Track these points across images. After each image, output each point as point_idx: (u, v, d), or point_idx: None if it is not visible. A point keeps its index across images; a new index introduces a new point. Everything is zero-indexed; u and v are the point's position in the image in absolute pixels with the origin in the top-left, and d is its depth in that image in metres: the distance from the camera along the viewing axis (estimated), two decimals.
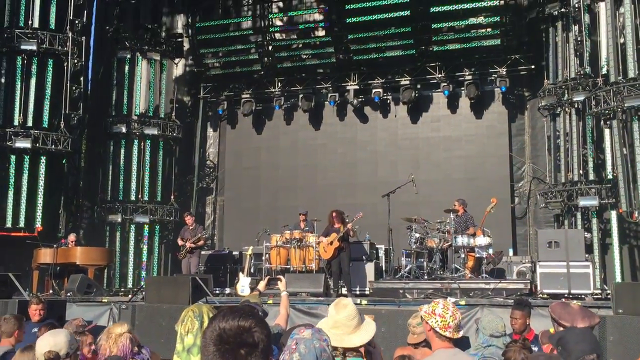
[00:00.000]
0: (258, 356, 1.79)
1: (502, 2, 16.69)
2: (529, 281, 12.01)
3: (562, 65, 15.84)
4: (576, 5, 15.06)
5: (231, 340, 1.78)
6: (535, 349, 5.10)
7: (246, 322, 1.82)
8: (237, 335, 1.79)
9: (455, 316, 3.86)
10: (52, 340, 3.32)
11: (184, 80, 20.48)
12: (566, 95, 15.41)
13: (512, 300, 8.43)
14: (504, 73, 17.09)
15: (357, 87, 18.47)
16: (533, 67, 17.09)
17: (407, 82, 17.95)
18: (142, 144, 18.98)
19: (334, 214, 12.63)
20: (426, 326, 3.88)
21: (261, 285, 6.40)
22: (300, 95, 18.88)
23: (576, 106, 15.31)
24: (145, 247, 18.72)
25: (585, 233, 13.54)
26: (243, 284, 12.85)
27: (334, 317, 3.50)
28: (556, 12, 16.03)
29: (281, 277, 6.26)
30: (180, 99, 20.24)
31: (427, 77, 17.96)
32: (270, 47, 18.96)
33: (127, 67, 19.16)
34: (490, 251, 12.19)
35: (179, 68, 20.26)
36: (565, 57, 15.79)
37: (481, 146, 17.67)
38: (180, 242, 14.67)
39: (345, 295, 12.07)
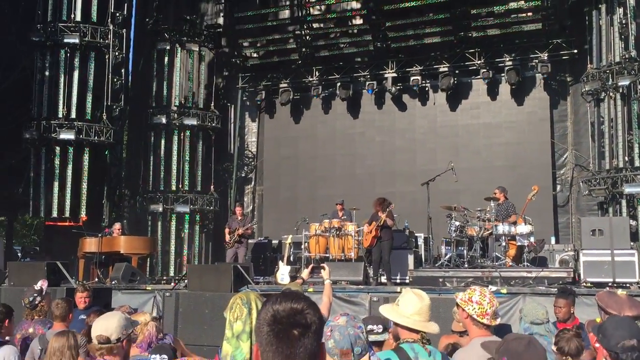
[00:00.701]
0: (311, 337, 1.82)
1: None
2: (572, 270, 11.83)
3: (606, 49, 15.46)
4: None
5: (284, 321, 1.81)
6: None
7: (299, 304, 1.86)
8: (290, 316, 1.82)
9: (492, 303, 3.85)
10: (104, 324, 3.37)
11: (223, 70, 20.62)
12: (610, 80, 15.06)
13: (555, 289, 8.33)
14: (546, 58, 16.76)
15: (395, 74, 18.34)
16: (576, 51, 16.73)
17: (446, 69, 17.75)
18: (182, 134, 19.22)
19: (378, 203, 12.56)
20: (463, 314, 3.88)
21: (305, 273, 6.45)
22: (338, 84, 18.84)
23: (621, 91, 14.96)
24: (186, 236, 18.99)
25: (631, 221, 13.25)
26: (283, 272, 12.97)
27: (417, 304, 3.59)
28: None
29: (325, 265, 6.28)
30: (218, 89, 20.39)
31: (466, 63, 17.73)
32: (307, 37, 18.96)
33: (166, 59, 19.40)
34: (532, 239, 12.04)
35: (217, 58, 20.40)
36: (610, 40, 15.41)
37: (522, 133, 17.41)
38: (227, 231, 14.72)
39: (385, 284, 12.09)
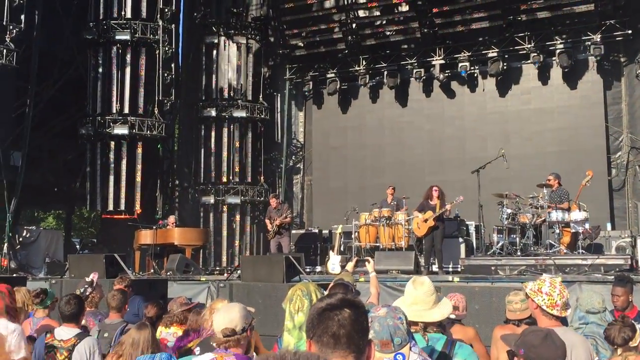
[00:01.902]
0: (361, 315, 1.97)
1: None
2: (629, 256, 11.52)
3: None
4: None
5: (336, 304, 1.99)
6: (638, 326, 4.95)
7: (346, 294, 2.01)
8: (340, 300, 2.00)
9: (563, 294, 3.84)
10: (227, 316, 3.42)
11: (269, 61, 20.76)
12: None
13: (612, 277, 8.17)
14: (598, 40, 16.31)
15: (442, 61, 18.13)
16: (630, 31, 16.22)
17: (495, 54, 17.46)
18: (232, 126, 19.47)
19: (435, 190, 12.37)
20: (532, 304, 3.88)
21: (349, 267, 6.51)
22: (385, 73, 18.75)
23: None
24: (237, 227, 19.26)
25: None
26: (334, 262, 13.06)
27: (413, 293, 3.56)
28: None
29: (369, 258, 6.35)
30: (265, 79, 20.53)
31: (516, 47, 17.40)
32: (353, 25, 18.90)
33: (215, 52, 19.66)
34: (587, 226, 11.78)
35: (263, 50, 20.54)
36: None
37: (575, 117, 17.03)
38: (267, 223, 14.71)
39: (437, 273, 12.04)
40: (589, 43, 16.43)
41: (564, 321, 4.15)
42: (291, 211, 15.63)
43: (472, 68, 17.94)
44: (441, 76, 18.02)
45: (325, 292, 4.35)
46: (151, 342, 4.63)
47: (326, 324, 1.92)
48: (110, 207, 17.92)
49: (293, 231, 15.89)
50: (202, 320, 5.13)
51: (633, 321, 4.82)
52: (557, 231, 11.80)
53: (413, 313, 3.44)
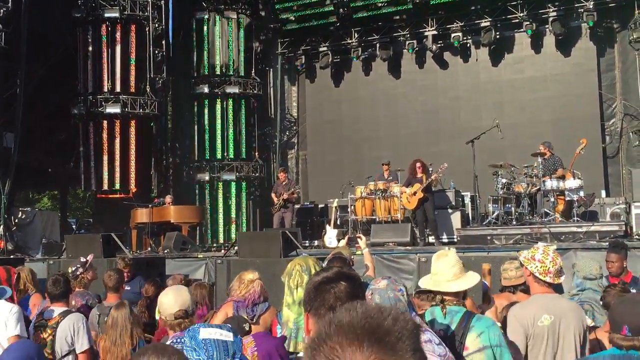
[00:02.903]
0: (357, 287, 1.95)
1: None
2: (623, 223, 11.60)
3: None
4: None
5: (333, 277, 2.01)
6: (633, 291, 5.00)
7: (343, 267, 2.02)
8: (336, 273, 2.02)
9: (555, 262, 3.87)
10: (179, 299, 3.44)
11: (260, 36, 20.58)
12: None
13: (607, 243, 8.23)
14: (591, 6, 16.21)
15: (435, 32, 18.03)
16: None
17: (488, 24, 17.37)
18: (225, 102, 19.36)
19: (418, 164, 12.56)
20: (526, 271, 3.92)
21: (342, 244, 6.53)
22: (378, 45, 18.65)
23: None
24: (233, 204, 19.27)
25: None
26: (330, 235, 13.10)
27: (434, 263, 3.59)
28: None
29: (361, 235, 6.36)
30: (256, 54, 20.37)
31: (509, 16, 17.30)
32: None
33: (205, 28, 19.47)
34: (582, 193, 11.82)
35: (254, 24, 20.35)
36: None
37: (568, 85, 17.00)
38: (274, 196, 14.84)
39: (433, 244, 12.11)
40: (582, 10, 16.34)
41: (557, 288, 4.18)
42: (299, 187, 15.72)
43: (465, 38, 17.85)
44: (434, 47, 17.94)
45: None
46: (131, 319, 4.64)
47: (323, 297, 1.93)
48: (105, 187, 17.88)
49: None
50: (230, 289, 5.12)
51: (629, 287, 4.88)
52: (552, 199, 11.84)
53: (432, 282, 3.49)
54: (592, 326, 4.78)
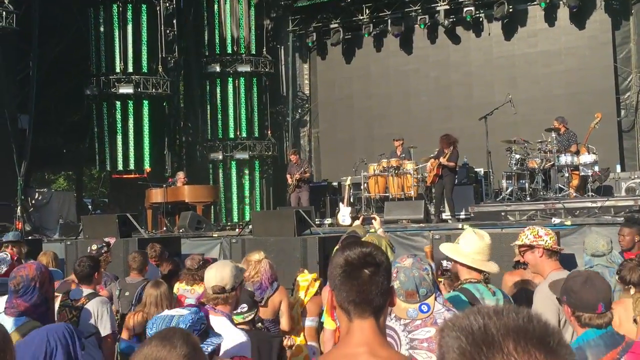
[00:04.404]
0: (381, 276, 1.96)
1: None
2: (639, 197, 11.55)
3: None
4: None
5: (356, 262, 1.95)
6: None
7: (367, 248, 2.00)
8: (360, 258, 1.96)
9: (554, 232, 3.97)
10: (219, 275, 3.47)
11: (271, 13, 20.48)
12: None
13: (622, 219, 8.21)
14: None
15: (447, 7, 17.83)
16: None
17: None
18: (236, 81, 19.35)
19: (441, 139, 12.39)
20: (538, 253, 3.92)
21: (356, 224, 6.56)
22: (389, 21, 18.50)
23: None
24: (247, 183, 19.35)
25: None
26: (344, 213, 13.15)
27: (477, 243, 3.62)
28: None
29: (375, 216, 6.38)
30: (267, 31, 20.27)
31: None
32: None
33: (216, 6, 19.38)
34: (596, 168, 11.75)
35: (265, 3, 20.24)
36: None
37: (583, 58, 16.81)
38: (288, 177, 14.86)
39: (447, 221, 12.11)
40: None
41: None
42: (310, 166, 15.74)
43: (477, 12, 17.66)
44: (446, 22, 17.76)
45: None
46: (169, 297, 4.73)
47: (346, 285, 1.94)
48: (120, 167, 18.03)
49: None
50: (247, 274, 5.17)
51: None
52: (567, 175, 11.78)
53: (475, 262, 3.55)
54: None
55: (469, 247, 3.62)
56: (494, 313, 1.14)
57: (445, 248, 3.75)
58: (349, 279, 1.93)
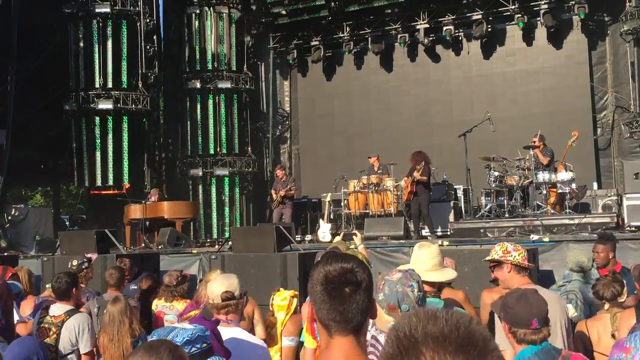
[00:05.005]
0: (362, 294, 1.93)
1: None
2: (615, 214, 11.68)
3: None
4: None
5: (336, 280, 1.92)
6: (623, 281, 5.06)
7: (348, 264, 1.96)
8: (341, 275, 1.93)
9: (523, 249, 4.00)
10: (226, 282, 3.45)
11: (252, 30, 20.54)
12: None
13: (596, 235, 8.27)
14: None
15: (427, 25, 18.03)
16: None
17: (479, 17, 17.38)
18: (217, 97, 19.32)
19: (414, 155, 12.53)
20: (506, 269, 3.94)
21: (337, 240, 6.55)
22: (370, 39, 18.65)
23: None
24: (227, 199, 19.27)
25: None
26: (324, 230, 13.13)
27: (416, 253, 3.71)
28: None
29: (356, 232, 6.39)
30: (248, 48, 20.31)
31: (500, 9, 17.31)
32: None
33: (197, 22, 19.39)
34: (574, 186, 11.90)
35: (246, 18, 20.29)
36: None
37: (560, 78, 17.06)
38: (273, 193, 14.81)
39: (426, 238, 12.15)
40: (573, 2, 16.38)
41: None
42: (296, 184, 15.76)
43: (457, 31, 17.87)
44: (426, 40, 17.95)
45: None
46: (128, 313, 4.65)
47: (326, 303, 1.93)
48: (98, 183, 17.85)
49: None
50: (198, 295, 5.16)
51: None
52: (544, 192, 11.91)
53: (423, 274, 3.53)
54: (574, 316, 4.85)
55: (412, 259, 3.68)
56: (426, 318, 1.15)
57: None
58: (329, 297, 1.91)
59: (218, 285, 3.47)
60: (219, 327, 3.16)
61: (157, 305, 6.08)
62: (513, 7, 17.03)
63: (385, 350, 1.14)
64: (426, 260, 3.62)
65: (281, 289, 5.68)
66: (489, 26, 17.26)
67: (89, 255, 6.57)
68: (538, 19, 16.97)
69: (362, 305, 1.93)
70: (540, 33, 17.25)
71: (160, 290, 6.25)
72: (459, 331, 1.12)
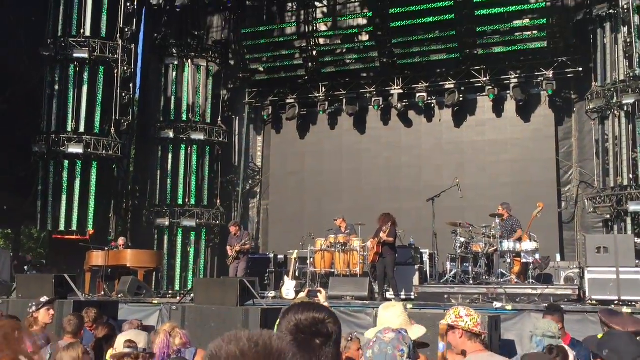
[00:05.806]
0: (331, 346, 1.91)
1: (548, 4, 16.52)
2: (577, 287, 11.83)
3: (611, 68, 15.54)
4: (625, 6, 14.77)
5: (307, 331, 1.91)
6: (572, 353, 5.12)
7: (320, 314, 1.95)
8: (312, 326, 1.92)
9: (476, 314, 3.96)
10: (133, 334, 3.44)
11: (228, 83, 20.75)
12: (615, 98, 15.12)
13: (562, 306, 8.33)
14: (551, 76, 16.86)
15: (401, 91, 18.45)
16: (581, 69, 16.81)
17: (452, 86, 17.87)
18: (189, 148, 19.33)
19: (380, 217, 12.58)
20: (457, 334, 3.91)
21: (302, 296, 6.53)
22: (344, 100, 18.97)
23: (625, 109, 15.03)
24: (192, 251, 19.04)
25: (636, 238, 13.23)
26: (288, 287, 13.03)
27: (382, 314, 3.70)
28: (604, 14, 15.73)
29: (321, 289, 6.39)
30: (224, 101, 20.48)
31: (472, 80, 17.84)
32: (314, 52, 19.11)
33: (174, 74, 19.56)
34: (537, 256, 12.07)
35: (223, 72, 20.53)
36: (614, 59, 15.49)
37: (527, 150, 17.47)
38: (228, 249, 14.82)
39: (390, 300, 12.10)
40: (542, 79, 16.96)
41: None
42: (250, 238, 15.73)
43: (430, 98, 18.30)
44: (399, 105, 18.33)
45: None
46: None
47: (299, 348, 1.91)
48: (62, 227, 17.51)
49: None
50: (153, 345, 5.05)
51: (567, 347, 5.01)
52: (509, 261, 12.04)
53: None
54: None
55: (378, 322, 3.69)
56: (229, 339, 1.30)
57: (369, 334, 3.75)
58: (298, 348, 1.88)
59: (126, 336, 3.48)
60: None
61: (111, 355, 5.91)
62: (484, 79, 17.57)
63: None
64: (393, 318, 3.62)
65: None
66: (461, 96, 17.72)
67: (43, 300, 6.40)
68: (508, 92, 17.48)
69: (331, 357, 1.91)
70: (510, 106, 17.73)
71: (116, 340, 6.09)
72: (257, 347, 1.25)
